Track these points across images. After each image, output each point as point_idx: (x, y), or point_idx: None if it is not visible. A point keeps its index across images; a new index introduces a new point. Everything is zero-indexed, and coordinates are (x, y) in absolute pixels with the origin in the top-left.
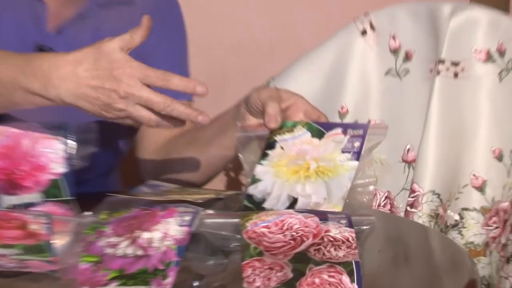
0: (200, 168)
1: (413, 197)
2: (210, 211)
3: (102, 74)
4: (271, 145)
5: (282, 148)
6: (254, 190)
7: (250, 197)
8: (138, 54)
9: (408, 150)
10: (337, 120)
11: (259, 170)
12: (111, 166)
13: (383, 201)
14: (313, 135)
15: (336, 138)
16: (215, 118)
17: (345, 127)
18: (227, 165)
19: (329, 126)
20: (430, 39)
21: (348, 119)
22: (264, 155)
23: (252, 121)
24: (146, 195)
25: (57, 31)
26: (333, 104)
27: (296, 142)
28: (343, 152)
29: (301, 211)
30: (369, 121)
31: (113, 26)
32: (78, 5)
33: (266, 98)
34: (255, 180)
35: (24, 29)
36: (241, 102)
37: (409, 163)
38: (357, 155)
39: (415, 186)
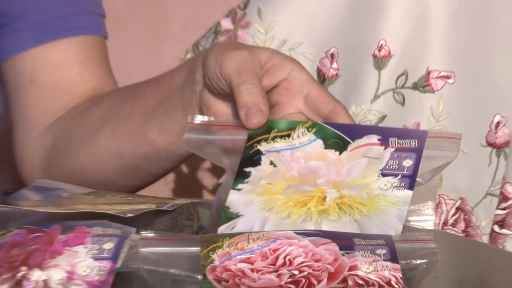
0: (126, 163)
1: (504, 209)
2: (148, 234)
3: None
4: (252, 158)
5: (273, 164)
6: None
7: None
8: None
9: (498, 124)
10: (371, 72)
11: (236, 199)
12: None
13: (453, 215)
14: (327, 145)
15: (370, 151)
16: (152, 80)
17: (384, 134)
18: (180, 160)
19: (355, 131)
20: None
21: (391, 70)
22: (242, 175)
23: (216, 107)
24: (34, 204)
25: None
26: (364, 41)
27: (297, 156)
28: (383, 175)
29: (308, 234)
30: (427, 130)
31: None
32: None
33: (235, 71)
34: (229, 216)
35: None
36: (197, 64)
37: (499, 147)
38: (410, 181)
39: (510, 188)
